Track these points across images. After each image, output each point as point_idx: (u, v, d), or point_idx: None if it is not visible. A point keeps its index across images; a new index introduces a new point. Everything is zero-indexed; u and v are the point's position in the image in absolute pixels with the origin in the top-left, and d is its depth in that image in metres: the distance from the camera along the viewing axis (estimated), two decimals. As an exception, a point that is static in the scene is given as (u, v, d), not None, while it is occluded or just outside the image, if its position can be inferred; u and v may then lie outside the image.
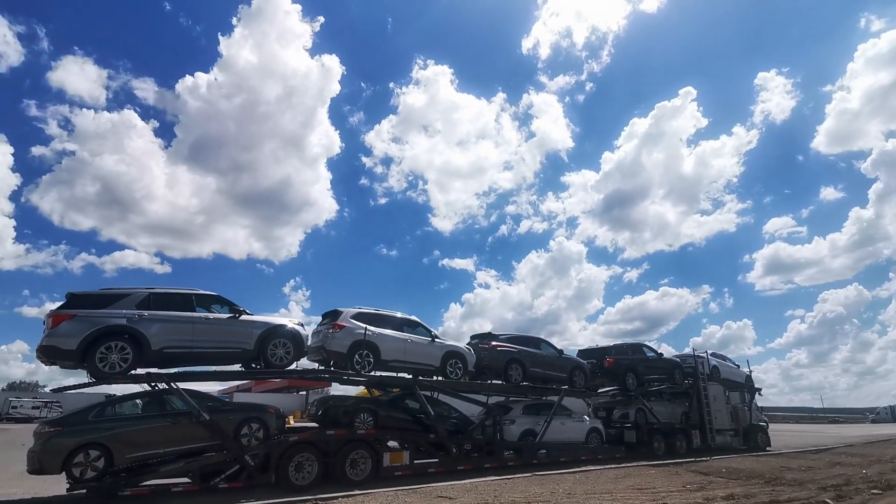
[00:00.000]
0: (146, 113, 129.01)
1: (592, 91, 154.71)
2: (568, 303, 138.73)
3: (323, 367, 11.96)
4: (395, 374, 12.39)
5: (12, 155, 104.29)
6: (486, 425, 13.32)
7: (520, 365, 14.08)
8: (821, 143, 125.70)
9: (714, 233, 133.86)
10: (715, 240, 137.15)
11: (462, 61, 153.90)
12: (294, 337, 10.52)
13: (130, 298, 9.19)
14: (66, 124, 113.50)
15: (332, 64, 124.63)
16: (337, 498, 9.02)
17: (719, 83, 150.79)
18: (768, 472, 13.51)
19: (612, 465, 13.81)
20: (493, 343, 14.09)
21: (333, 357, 11.40)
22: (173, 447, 9.12)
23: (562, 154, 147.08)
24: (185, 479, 9.12)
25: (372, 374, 11.71)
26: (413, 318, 12.98)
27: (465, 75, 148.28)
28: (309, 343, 11.97)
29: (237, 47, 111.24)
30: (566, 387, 14.87)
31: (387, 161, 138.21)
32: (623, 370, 16.63)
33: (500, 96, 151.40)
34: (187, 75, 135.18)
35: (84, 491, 8.17)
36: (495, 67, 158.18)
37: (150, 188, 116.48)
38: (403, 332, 12.44)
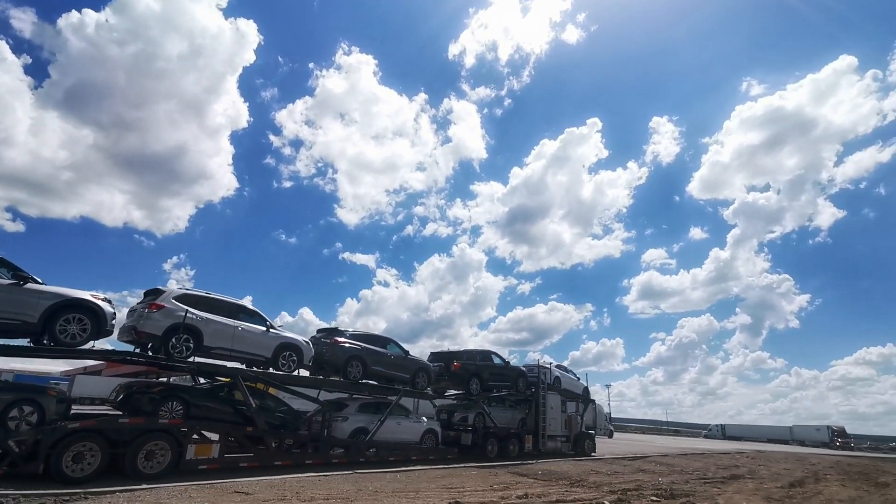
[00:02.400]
0: (18, 46, 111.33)
1: (510, 107, 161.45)
2: (463, 308, 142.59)
3: (137, 350, 10.93)
4: (218, 363, 11.68)
5: None
6: (314, 421, 13.02)
7: (360, 362, 14.01)
8: (695, 187, 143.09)
9: (601, 256, 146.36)
10: (601, 263, 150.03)
11: (388, 54, 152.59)
12: (93, 312, 9.46)
13: None
14: None
15: (249, 30, 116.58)
16: (114, 492, 8.24)
17: (622, 119, 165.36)
18: (577, 474, 14.76)
19: (440, 466, 14.23)
20: (336, 339, 13.88)
21: (145, 339, 10.44)
22: None
23: (474, 163, 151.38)
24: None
25: (190, 360, 10.91)
26: (249, 305, 12.37)
27: (389, 69, 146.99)
28: (126, 323, 10.96)
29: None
30: (405, 387, 15.07)
31: (297, 143, 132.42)
32: (469, 375, 17.27)
33: (422, 97, 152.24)
34: (74, 10, 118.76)
35: None
36: (420, 67, 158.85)
37: (10, 131, 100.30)
38: (235, 319, 11.77)
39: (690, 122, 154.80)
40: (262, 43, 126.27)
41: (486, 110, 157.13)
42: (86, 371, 51.36)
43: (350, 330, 14.81)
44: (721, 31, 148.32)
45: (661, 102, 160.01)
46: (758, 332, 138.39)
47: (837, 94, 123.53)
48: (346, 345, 13.97)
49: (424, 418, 15.96)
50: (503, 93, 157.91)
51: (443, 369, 17.12)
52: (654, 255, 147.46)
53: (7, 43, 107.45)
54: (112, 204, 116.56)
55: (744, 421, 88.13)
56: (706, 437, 78.11)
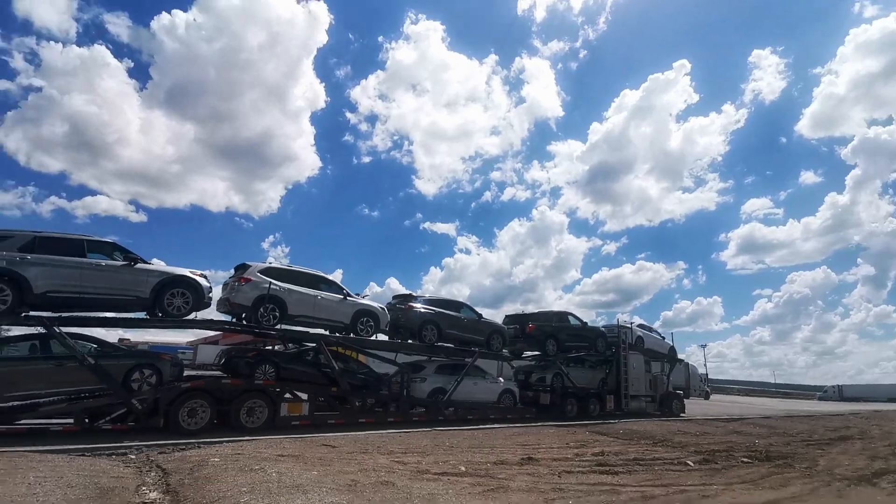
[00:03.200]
0: (119, 51, 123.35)
1: (586, 58, 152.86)
2: (546, 272, 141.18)
3: (233, 320, 12.11)
4: (304, 329, 12.62)
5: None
6: (394, 382, 13.75)
7: (435, 326, 14.46)
8: (805, 126, 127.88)
9: (694, 210, 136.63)
10: (694, 217, 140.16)
11: (455, 18, 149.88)
12: (193, 287, 10.58)
13: (12, 241, 9.09)
14: (33, 58, 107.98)
15: (320, 11, 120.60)
16: (221, 442, 9.37)
17: (714, 58, 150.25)
18: (662, 434, 14.33)
19: (518, 425, 14.51)
20: (410, 304, 14.40)
21: (237, 309, 11.55)
22: (59, 389, 9.25)
23: (550, 122, 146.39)
24: (67, 420, 9.30)
25: (277, 327, 11.90)
26: (327, 276, 13.15)
27: (457, 33, 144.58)
28: (221, 295, 12.13)
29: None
30: (480, 349, 15.36)
31: (372, 119, 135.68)
32: (544, 336, 17.21)
33: (492, 58, 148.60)
34: (164, 12, 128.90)
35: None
36: (489, 27, 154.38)
37: (124, 132, 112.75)
38: (315, 288, 12.59)
39: (797, 52, 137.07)
40: (333, 22, 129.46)
41: (560, 65, 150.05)
42: (206, 341, 57.69)
43: (424, 296, 15.29)
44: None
45: (761, 33, 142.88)
46: (882, 283, 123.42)
47: None
48: (421, 310, 14.46)
49: (501, 379, 16.24)
50: (578, 44, 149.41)
51: (518, 331, 17.19)
52: (756, 205, 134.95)
53: (107, 48, 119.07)
54: (214, 191, 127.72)
55: (864, 381, 79.66)
56: (821, 399, 71.94)
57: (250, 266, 11.84)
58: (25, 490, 5.42)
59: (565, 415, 16.63)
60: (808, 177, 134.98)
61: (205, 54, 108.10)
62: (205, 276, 11.02)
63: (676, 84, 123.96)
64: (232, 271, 12.41)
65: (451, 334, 14.96)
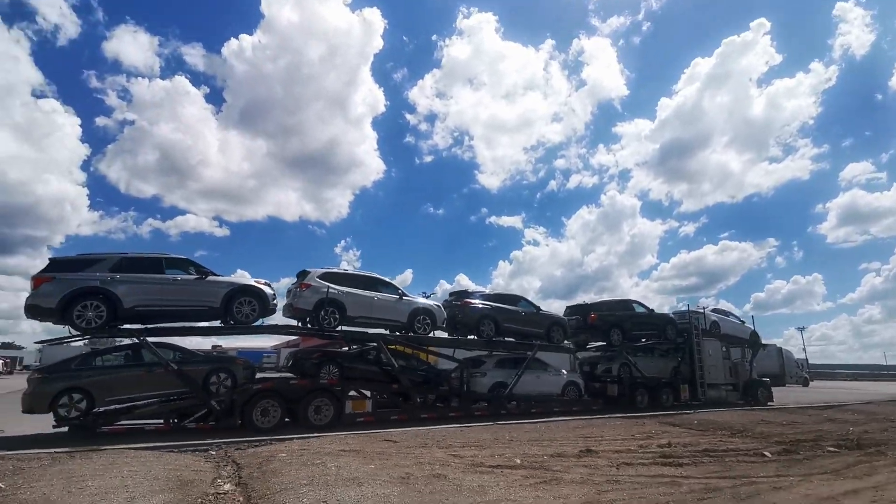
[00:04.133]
0: (197, 79, 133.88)
1: (650, 31, 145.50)
2: (620, 259, 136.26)
3: (297, 324, 12.85)
4: (363, 330, 13.13)
5: (80, 126, 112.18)
6: (454, 377, 13.95)
7: (492, 321, 14.49)
8: None
9: (784, 181, 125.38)
10: (784, 189, 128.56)
11: (507, 7, 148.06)
12: (259, 295, 11.35)
13: (104, 263, 10.19)
14: (125, 94, 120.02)
15: (374, 18, 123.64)
16: (291, 439, 10.01)
17: (795, 14, 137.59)
18: (741, 424, 13.45)
19: (583, 417, 14.21)
20: (466, 300, 14.53)
21: (300, 314, 12.24)
22: (150, 392, 10.31)
23: (615, 103, 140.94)
24: (158, 421, 10.34)
25: (339, 329, 12.47)
26: (383, 277, 13.59)
27: (510, 22, 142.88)
28: (286, 301, 12.91)
29: (278, 6, 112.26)
30: (540, 342, 15.18)
31: (431, 118, 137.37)
32: (608, 326, 16.70)
33: (549, 43, 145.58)
34: (232, 38, 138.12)
35: (66, 428, 9.50)
36: (543, 12, 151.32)
37: (205, 154, 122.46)
38: (372, 290, 13.06)
39: (882, 2, 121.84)
40: (387, 27, 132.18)
41: (621, 41, 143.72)
42: (288, 345, 61.38)
43: (481, 291, 15.38)
44: None
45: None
46: None
47: None
48: (477, 305, 14.55)
49: (565, 371, 15.96)
50: (640, 17, 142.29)
51: (580, 322, 16.82)
52: (856, 169, 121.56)
53: (186, 77, 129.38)
54: (288, 202, 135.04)
55: None
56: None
57: (309, 272, 12.50)
58: (118, 482, 6.14)
59: (636, 406, 16.05)
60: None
61: (271, 73, 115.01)
62: (269, 285, 11.77)
63: (755, 46, 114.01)
64: (294, 278, 13.16)
65: (510, 328, 14.93)
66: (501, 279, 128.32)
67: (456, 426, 12.07)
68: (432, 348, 14.31)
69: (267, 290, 11.56)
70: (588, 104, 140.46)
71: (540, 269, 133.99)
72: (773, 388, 30.92)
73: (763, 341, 20.53)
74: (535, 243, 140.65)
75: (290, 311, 12.39)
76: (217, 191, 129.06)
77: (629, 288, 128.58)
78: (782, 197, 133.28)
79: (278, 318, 12.63)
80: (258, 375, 12.36)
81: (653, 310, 18.32)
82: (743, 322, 20.93)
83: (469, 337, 14.54)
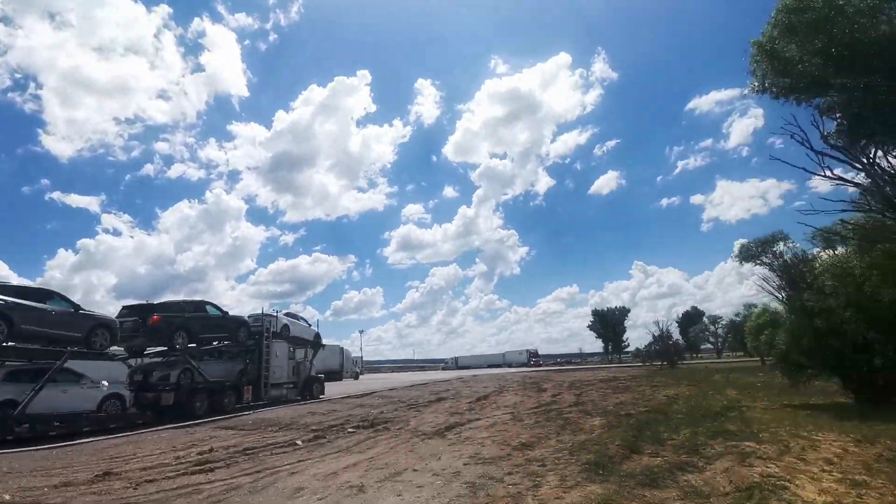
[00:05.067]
0: None
1: (277, 43, 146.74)
2: (218, 260, 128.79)
3: None
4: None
5: None
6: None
7: (5, 321, 10.78)
8: (450, 150, 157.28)
9: (366, 209, 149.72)
10: (366, 215, 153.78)
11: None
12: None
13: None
14: None
15: None
16: None
17: (390, 75, 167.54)
18: (291, 418, 14.65)
19: (124, 434, 12.27)
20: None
21: None
22: None
23: (234, 100, 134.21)
24: None
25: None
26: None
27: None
28: None
29: None
30: (74, 348, 12.35)
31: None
32: (172, 329, 15.22)
33: (165, 9, 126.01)
34: None
35: None
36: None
37: None
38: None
39: (450, 87, 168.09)
40: None
41: (247, 41, 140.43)
42: None
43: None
44: (478, 4, 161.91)
45: (426, 64, 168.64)
46: (490, 278, 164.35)
47: (556, 84, 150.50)
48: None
49: (105, 382, 13.43)
50: (268, 26, 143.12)
51: (138, 324, 14.67)
52: (412, 209, 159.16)
53: None
54: None
55: (475, 352, 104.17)
56: (444, 369, 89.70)
57: None
58: None
59: (195, 413, 15.12)
60: (449, 191, 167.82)
61: None
62: None
63: (359, 91, 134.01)
64: None
65: (30, 330, 11.48)
66: (59, 271, 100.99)
67: None
68: None
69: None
70: (204, 93, 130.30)
71: (118, 264, 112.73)
72: (333, 382, 35.92)
73: (330, 342, 23.51)
74: (117, 233, 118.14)
75: None
76: None
77: (224, 290, 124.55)
78: (363, 221, 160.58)
79: None
80: None
81: (227, 312, 17.96)
82: (310, 325, 23.26)
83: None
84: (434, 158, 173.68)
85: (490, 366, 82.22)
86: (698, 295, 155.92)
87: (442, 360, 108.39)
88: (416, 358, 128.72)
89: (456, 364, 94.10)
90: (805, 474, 5.72)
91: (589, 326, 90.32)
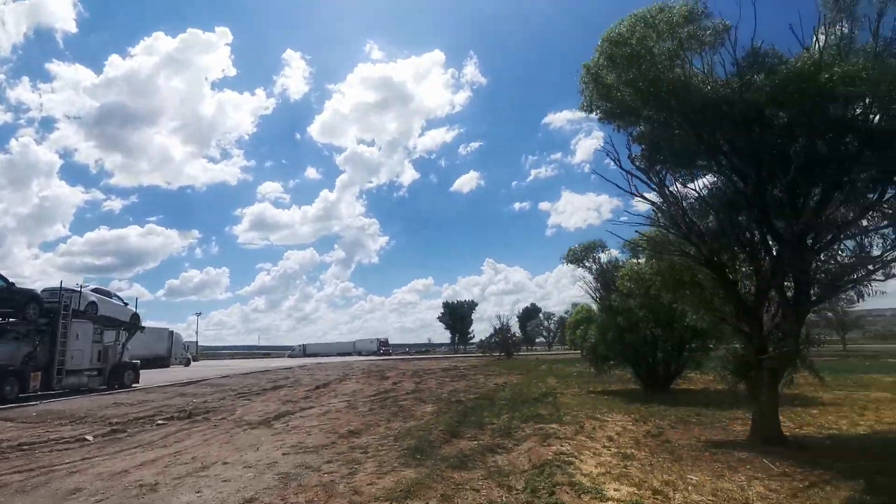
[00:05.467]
0: None
1: None
2: (20, 223, 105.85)
3: None
4: None
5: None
6: None
7: None
8: (316, 129, 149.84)
9: (216, 181, 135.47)
10: (215, 188, 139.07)
11: None
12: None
13: None
14: None
15: None
16: None
17: (256, 39, 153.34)
18: (86, 411, 12.54)
19: None
20: None
21: None
22: None
23: (57, 35, 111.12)
24: None
25: None
26: None
27: None
28: None
29: None
30: None
31: None
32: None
33: None
34: None
35: None
36: None
37: None
38: None
39: (321, 64, 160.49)
40: None
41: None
42: None
43: None
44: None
45: (297, 36, 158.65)
46: (348, 265, 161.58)
47: (429, 79, 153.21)
48: None
49: None
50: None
51: None
52: (270, 187, 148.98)
53: None
54: None
55: (326, 340, 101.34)
56: (290, 356, 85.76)
57: None
58: None
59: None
60: (312, 172, 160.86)
61: None
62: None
63: (216, 49, 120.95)
64: None
65: None
66: None
67: None
68: None
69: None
70: (24, 22, 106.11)
71: None
72: (158, 370, 31.94)
73: (157, 325, 20.55)
74: None
75: None
76: None
77: (24, 260, 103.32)
78: (212, 195, 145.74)
79: None
80: None
81: (13, 283, 14.81)
82: (126, 304, 20.27)
83: None
84: (298, 136, 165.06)
85: (340, 354, 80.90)
86: (539, 293, 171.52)
87: (289, 348, 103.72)
88: (261, 344, 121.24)
89: (304, 351, 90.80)
90: (590, 450, 6.55)
91: (439, 318, 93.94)
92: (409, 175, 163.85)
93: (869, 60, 5.76)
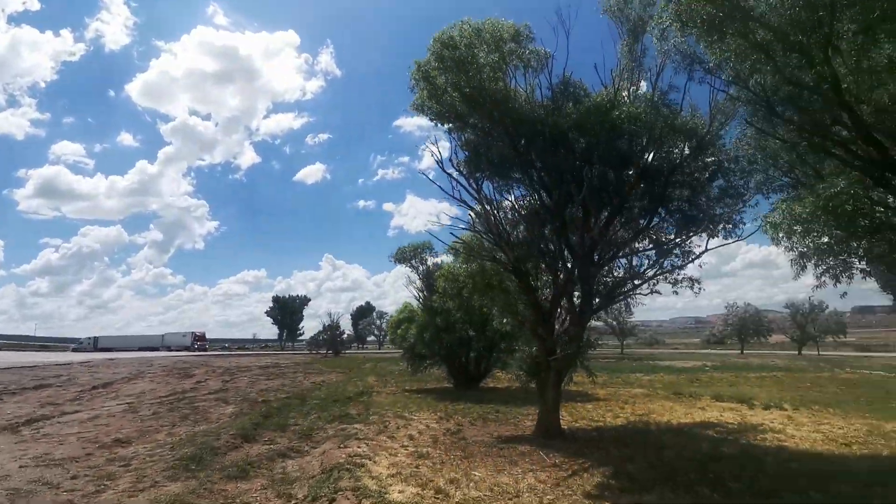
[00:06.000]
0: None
1: None
2: None
3: None
4: None
5: None
6: None
7: None
8: (135, 89, 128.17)
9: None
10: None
11: None
12: None
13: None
14: None
15: None
16: None
17: None
18: None
19: None
20: None
21: None
22: None
23: None
24: None
25: None
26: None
27: None
28: None
29: None
30: None
31: None
32: None
33: None
34: None
35: None
36: None
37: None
38: None
39: (149, 16, 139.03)
40: None
41: None
42: None
43: None
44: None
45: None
46: (166, 249, 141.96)
47: (280, 59, 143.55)
48: None
49: None
50: None
51: None
52: (68, 148, 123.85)
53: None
54: None
55: (127, 332, 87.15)
56: (75, 350, 71.97)
57: None
58: None
59: None
60: (127, 138, 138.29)
61: None
62: None
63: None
64: None
65: None
66: None
67: None
68: None
69: None
70: None
71: None
72: None
73: None
74: None
75: None
76: None
77: None
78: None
79: None
80: None
81: None
82: None
83: None
84: (112, 94, 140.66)
85: (143, 349, 70.41)
86: (376, 292, 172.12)
87: (76, 340, 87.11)
88: (37, 335, 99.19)
89: (95, 345, 76.90)
90: (388, 451, 6.43)
91: (267, 312, 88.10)
92: (248, 157, 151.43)
93: (648, 106, 6.75)
